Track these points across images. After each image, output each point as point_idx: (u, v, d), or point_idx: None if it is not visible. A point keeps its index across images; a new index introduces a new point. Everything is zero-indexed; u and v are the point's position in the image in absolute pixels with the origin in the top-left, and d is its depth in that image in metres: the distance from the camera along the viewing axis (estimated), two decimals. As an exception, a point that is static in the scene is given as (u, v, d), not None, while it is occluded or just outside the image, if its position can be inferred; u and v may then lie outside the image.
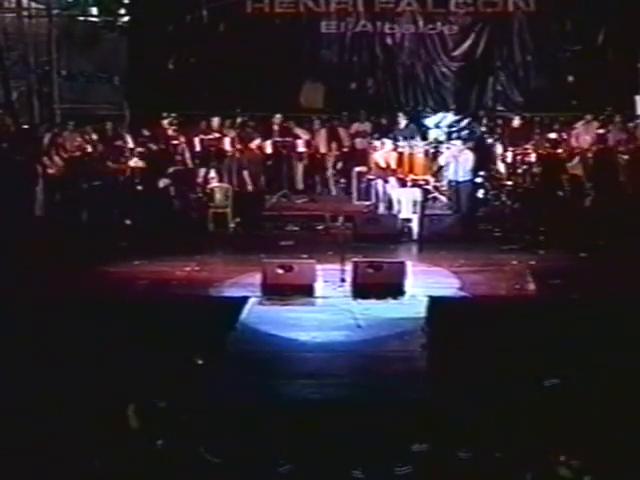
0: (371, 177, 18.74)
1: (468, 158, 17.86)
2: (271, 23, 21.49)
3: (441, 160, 18.43)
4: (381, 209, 18.29)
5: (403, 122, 19.75)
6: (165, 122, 19.19)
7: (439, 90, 21.61)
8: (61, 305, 11.93)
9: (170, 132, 19.07)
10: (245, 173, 18.85)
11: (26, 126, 19.96)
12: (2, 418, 8.36)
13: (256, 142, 19.20)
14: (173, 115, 19.32)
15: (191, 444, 7.94)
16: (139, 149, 18.63)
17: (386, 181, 18.39)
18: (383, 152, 18.57)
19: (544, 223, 16.70)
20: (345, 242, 14.41)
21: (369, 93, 21.66)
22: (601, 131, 18.97)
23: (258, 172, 19.12)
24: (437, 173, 18.70)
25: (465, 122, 20.14)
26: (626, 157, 18.18)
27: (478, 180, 18.21)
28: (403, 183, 18.36)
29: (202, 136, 19.04)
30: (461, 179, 17.89)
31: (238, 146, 18.97)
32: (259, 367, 10.28)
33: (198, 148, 18.95)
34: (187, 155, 18.84)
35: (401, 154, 18.73)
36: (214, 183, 18.31)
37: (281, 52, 21.18)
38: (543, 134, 19.34)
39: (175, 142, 18.91)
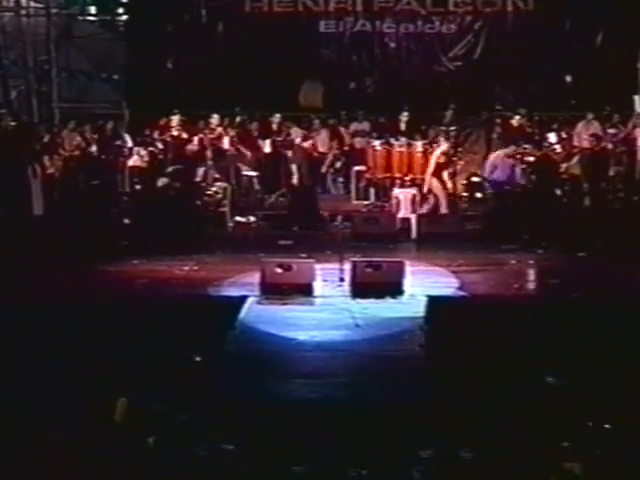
0: (369, 176, 18.74)
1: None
2: (270, 22, 21.51)
3: (441, 161, 18.44)
4: (380, 208, 18.29)
5: (402, 122, 19.75)
6: (174, 119, 19.12)
7: (438, 89, 21.61)
8: (60, 305, 11.92)
9: (175, 131, 19.00)
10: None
11: (25, 125, 19.94)
12: (2, 418, 8.36)
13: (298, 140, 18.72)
14: (176, 112, 19.26)
15: (191, 444, 7.93)
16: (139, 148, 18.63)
17: (385, 180, 18.39)
18: (383, 151, 18.56)
19: (543, 223, 16.69)
20: (344, 241, 14.41)
21: (368, 92, 21.68)
22: (600, 131, 18.98)
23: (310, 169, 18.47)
24: (437, 173, 18.67)
25: (464, 122, 20.12)
26: (624, 157, 18.20)
27: (476, 179, 18.21)
28: (402, 182, 18.36)
29: (201, 135, 19.02)
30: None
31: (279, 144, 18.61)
32: (258, 366, 10.26)
33: (197, 147, 18.94)
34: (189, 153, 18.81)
35: (400, 153, 18.73)
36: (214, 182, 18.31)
37: (280, 51, 21.20)
38: (542, 134, 19.34)
39: (180, 141, 18.87)
